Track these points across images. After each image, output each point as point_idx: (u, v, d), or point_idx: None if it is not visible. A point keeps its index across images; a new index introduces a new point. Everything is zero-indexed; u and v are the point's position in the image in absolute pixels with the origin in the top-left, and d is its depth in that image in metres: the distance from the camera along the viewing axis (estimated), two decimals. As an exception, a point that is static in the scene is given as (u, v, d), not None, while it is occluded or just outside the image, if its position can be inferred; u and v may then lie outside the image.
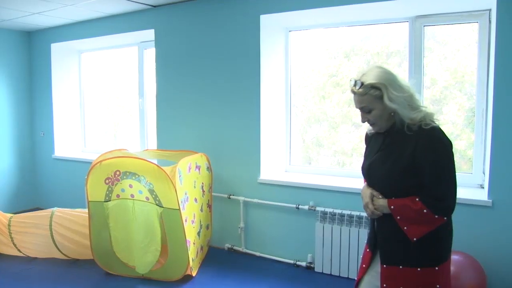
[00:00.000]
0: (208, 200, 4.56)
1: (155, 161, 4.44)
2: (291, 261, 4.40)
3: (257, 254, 4.61)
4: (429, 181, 1.96)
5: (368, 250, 2.21)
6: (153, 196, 3.93)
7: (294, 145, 4.86)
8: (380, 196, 2.08)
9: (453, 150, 2.01)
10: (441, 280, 2.00)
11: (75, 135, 6.54)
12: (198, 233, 4.27)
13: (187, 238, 3.87)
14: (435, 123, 2.02)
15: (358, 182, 4.22)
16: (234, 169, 4.65)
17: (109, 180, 4.01)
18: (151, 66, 5.54)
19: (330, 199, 4.20)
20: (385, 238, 2.08)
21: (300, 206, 4.32)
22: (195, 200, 4.21)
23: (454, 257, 3.01)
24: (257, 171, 4.52)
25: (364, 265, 2.21)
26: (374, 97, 2.03)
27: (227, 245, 4.83)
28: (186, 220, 3.90)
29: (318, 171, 4.66)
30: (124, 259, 4.17)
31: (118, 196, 4.04)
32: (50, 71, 6.23)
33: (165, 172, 3.83)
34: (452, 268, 2.26)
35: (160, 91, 5.14)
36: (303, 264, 4.34)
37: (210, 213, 4.64)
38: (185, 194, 3.98)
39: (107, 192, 4.04)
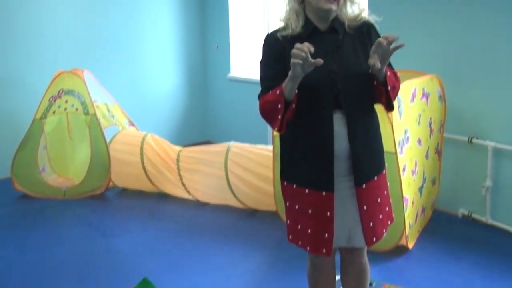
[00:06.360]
0: (438, 143, 3.87)
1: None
2: None
3: (511, 229, 3.69)
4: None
5: (324, 193, 1.92)
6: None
7: None
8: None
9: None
10: (386, 185, 2.06)
11: (256, 50, 5.91)
12: (420, 189, 3.63)
13: (404, 195, 3.23)
14: None
15: None
16: (481, 100, 3.77)
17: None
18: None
19: None
20: (361, 146, 1.93)
21: None
22: (419, 142, 3.58)
23: None
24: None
25: (328, 213, 1.94)
26: None
27: (462, 211, 4.01)
28: (404, 169, 3.29)
29: None
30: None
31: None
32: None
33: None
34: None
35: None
36: None
37: (439, 162, 3.93)
38: (405, 132, 3.37)
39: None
